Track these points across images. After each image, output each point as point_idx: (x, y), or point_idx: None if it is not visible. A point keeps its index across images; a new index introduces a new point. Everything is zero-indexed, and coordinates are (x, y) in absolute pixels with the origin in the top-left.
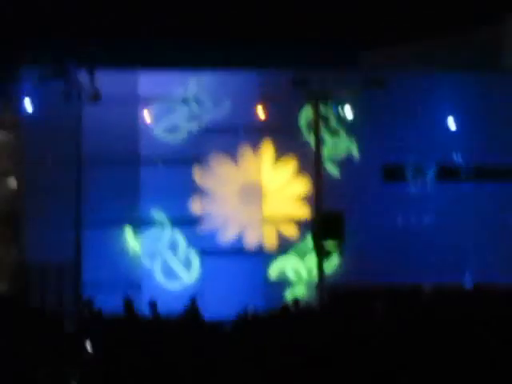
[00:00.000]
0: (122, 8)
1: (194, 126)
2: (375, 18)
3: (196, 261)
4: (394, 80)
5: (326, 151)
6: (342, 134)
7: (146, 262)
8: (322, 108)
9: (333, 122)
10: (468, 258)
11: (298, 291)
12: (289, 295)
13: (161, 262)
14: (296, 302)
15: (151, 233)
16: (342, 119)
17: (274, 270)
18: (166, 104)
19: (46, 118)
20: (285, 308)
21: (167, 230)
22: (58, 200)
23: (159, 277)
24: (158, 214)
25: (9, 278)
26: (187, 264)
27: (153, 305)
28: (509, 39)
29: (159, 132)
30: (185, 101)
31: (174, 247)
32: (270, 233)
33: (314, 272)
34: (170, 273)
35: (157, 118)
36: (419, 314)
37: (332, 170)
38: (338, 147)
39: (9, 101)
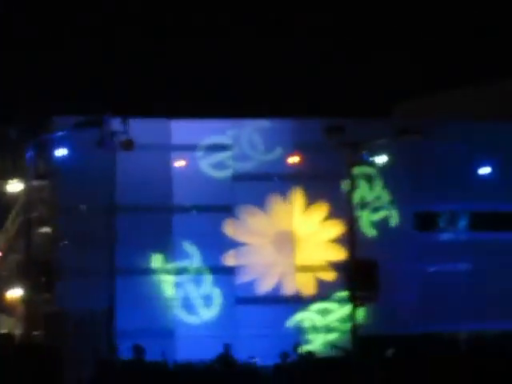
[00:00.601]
0: (157, 57)
1: (227, 174)
2: (408, 70)
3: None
4: (428, 128)
5: (359, 198)
6: (376, 181)
7: (180, 311)
8: (355, 155)
9: (366, 170)
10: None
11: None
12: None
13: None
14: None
15: (186, 282)
16: (375, 167)
17: (304, 318)
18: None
19: (80, 167)
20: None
21: (202, 280)
22: (92, 247)
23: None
24: (193, 262)
25: (44, 327)
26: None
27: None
28: None
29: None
30: (217, 148)
31: (209, 298)
32: (305, 280)
33: (347, 320)
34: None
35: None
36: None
37: (365, 220)
38: (371, 194)
39: (44, 150)
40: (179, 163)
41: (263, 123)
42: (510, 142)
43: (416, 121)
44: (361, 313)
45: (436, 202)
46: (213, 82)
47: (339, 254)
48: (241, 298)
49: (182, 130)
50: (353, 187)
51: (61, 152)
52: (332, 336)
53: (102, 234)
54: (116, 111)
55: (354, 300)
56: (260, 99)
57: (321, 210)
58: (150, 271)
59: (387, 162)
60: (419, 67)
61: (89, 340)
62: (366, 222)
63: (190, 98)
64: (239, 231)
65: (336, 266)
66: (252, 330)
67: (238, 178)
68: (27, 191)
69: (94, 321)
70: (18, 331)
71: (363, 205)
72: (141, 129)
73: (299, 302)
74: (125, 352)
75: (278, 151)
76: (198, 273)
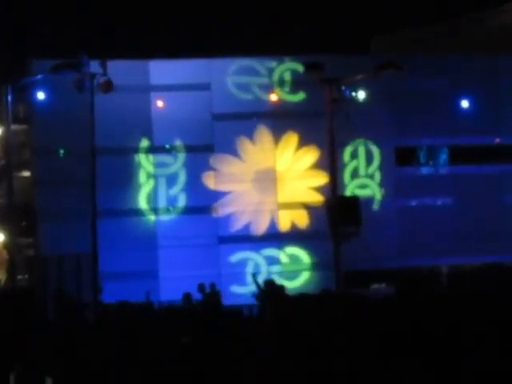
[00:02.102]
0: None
1: (206, 114)
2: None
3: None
4: (408, 62)
5: (341, 136)
6: (357, 117)
7: (163, 251)
8: (337, 92)
9: (346, 106)
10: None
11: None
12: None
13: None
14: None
15: (169, 222)
16: (356, 103)
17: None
18: (179, 92)
19: (59, 110)
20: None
21: (186, 220)
22: (72, 190)
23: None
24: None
25: (26, 270)
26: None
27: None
28: None
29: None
30: (197, 88)
31: (193, 238)
32: (292, 216)
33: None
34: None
35: (169, 105)
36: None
37: (348, 155)
38: (352, 131)
39: (23, 93)
40: (159, 104)
41: (242, 62)
42: (489, 75)
43: (395, 55)
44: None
45: (416, 136)
46: (191, 20)
47: (320, 180)
48: (223, 237)
49: (160, 70)
50: (334, 123)
51: (39, 95)
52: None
53: (82, 177)
54: (94, 53)
55: (337, 235)
56: (239, 37)
57: (292, 141)
58: (132, 212)
59: (367, 97)
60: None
61: (72, 283)
62: (351, 155)
63: (168, 38)
64: (219, 180)
65: (317, 205)
66: (235, 269)
67: (218, 117)
68: (6, 135)
69: (78, 263)
70: (1, 276)
71: (345, 139)
72: (119, 70)
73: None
74: (108, 294)
75: (258, 90)
76: (181, 213)
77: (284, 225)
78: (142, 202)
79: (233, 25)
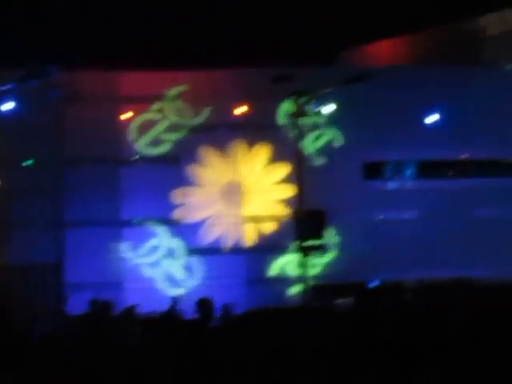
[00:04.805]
0: (104, 9)
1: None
2: (352, 17)
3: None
4: (375, 75)
5: (310, 149)
6: (327, 131)
7: (129, 263)
8: (303, 104)
9: (314, 118)
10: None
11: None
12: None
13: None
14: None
15: (135, 233)
16: (323, 115)
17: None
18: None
19: (26, 120)
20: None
21: (151, 232)
22: (40, 201)
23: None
24: (142, 214)
25: None
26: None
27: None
28: (489, 32)
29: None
30: (164, 100)
31: (157, 249)
32: (254, 230)
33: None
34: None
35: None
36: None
37: (316, 169)
38: (322, 144)
39: None
40: (126, 115)
41: (211, 74)
42: (457, 88)
43: (363, 68)
44: (313, 262)
45: (383, 150)
46: (158, 32)
47: (287, 193)
48: (191, 250)
49: (128, 81)
50: (303, 136)
51: (6, 106)
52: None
53: (50, 187)
54: (61, 64)
55: (303, 250)
56: (207, 49)
57: (262, 154)
58: (98, 223)
59: (335, 110)
60: (364, 14)
61: (37, 294)
62: (319, 168)
63: (136, 50)
64: (186, 192)
65: (283, 218)
66: (203, 281)
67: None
68: None
69: (43, 274)
70: None
71: (315, 152)
72: (86, 81)
73: (254, 253)
74: (75, 305)
75: (226, 102)
76: (147, 225)
77: (250, 238)
78: (112, 212)
79: (200, 36)
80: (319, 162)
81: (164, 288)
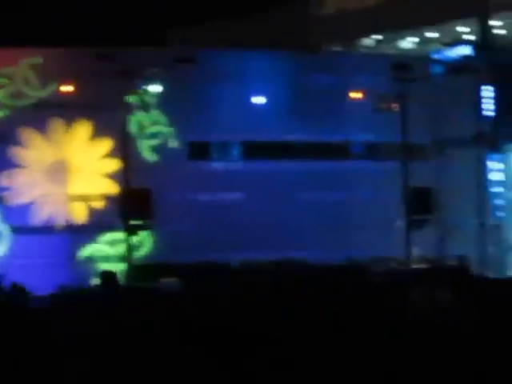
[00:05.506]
0: None
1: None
2: None
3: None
4: (204, 57)
5: (136, 127)
6: (153, 110)
7: None
8: (131, 84)
9: (140, 97)
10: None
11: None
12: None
13: None
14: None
15: None
16: (151, 95)
17: (85, 248)
18: None
19: None
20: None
21: None
22: None
23: None
24: None
25: None
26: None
27: None
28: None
29: None
30: None
31: None
32: (79, 209)
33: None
34: None
35: None
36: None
37: (142, 147)
38: (148, 123)
39: None
40: None
41: (36, 59)
42: (281, 72)
43: (190, 49)
44: (141, 241)
45: (208, 131)
46: None
47: (114, 187)
48: (15, 228)
49: None
50: (128, 114)
51: None
52: (123, 265)
53: None
54: None
55: (128, 228)
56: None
57: (84, 131)
58: None
59: (163, 90)
60: None
61: None
62: (146, 147)
63: None
64: (9, 172)
65: (110, 196)
66: (27, 260)
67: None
68: None
69: None
70: None
71: (141, 131)
72: None
73: (83, 231)
74: None
75: (54, 83)
76: None
77: (78, 216)
78: None
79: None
80: (145, 140)
81: None
